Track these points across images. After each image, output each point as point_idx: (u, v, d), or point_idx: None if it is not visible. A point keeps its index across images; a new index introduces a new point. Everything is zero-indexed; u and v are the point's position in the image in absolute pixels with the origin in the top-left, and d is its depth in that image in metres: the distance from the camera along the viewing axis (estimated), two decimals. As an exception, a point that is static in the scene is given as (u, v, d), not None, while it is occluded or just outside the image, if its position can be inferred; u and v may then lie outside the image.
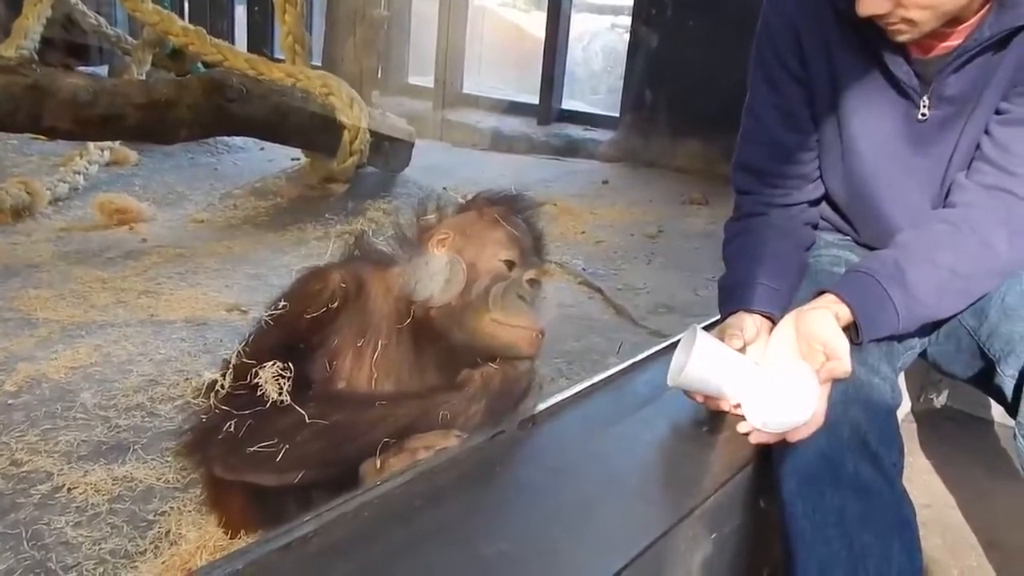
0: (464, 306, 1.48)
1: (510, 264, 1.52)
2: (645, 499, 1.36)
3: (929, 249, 1.43)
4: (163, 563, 1.57)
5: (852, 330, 1.40)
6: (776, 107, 1.61)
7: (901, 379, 1.83)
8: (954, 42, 1.44)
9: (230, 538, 1.60)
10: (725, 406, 1.48)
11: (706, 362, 1.42)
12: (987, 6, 1.40)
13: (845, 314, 1.38)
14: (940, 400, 2.46)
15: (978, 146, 1.50)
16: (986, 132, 1.48)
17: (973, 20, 1.41)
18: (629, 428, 1.56)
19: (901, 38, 1.41)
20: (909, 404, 2.40)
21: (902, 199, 1.56)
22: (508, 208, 1.59)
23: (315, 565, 1.10)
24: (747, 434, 1.44)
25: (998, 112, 1.47)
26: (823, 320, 1.36)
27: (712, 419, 1.56)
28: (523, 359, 1.49)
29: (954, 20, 1.40)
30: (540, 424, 1.51)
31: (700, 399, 1.51)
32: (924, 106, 1.49)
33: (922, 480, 2.17)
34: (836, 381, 1.37)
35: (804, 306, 1.41)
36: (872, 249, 1.65)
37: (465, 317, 1.47)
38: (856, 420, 1.34)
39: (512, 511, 1.28)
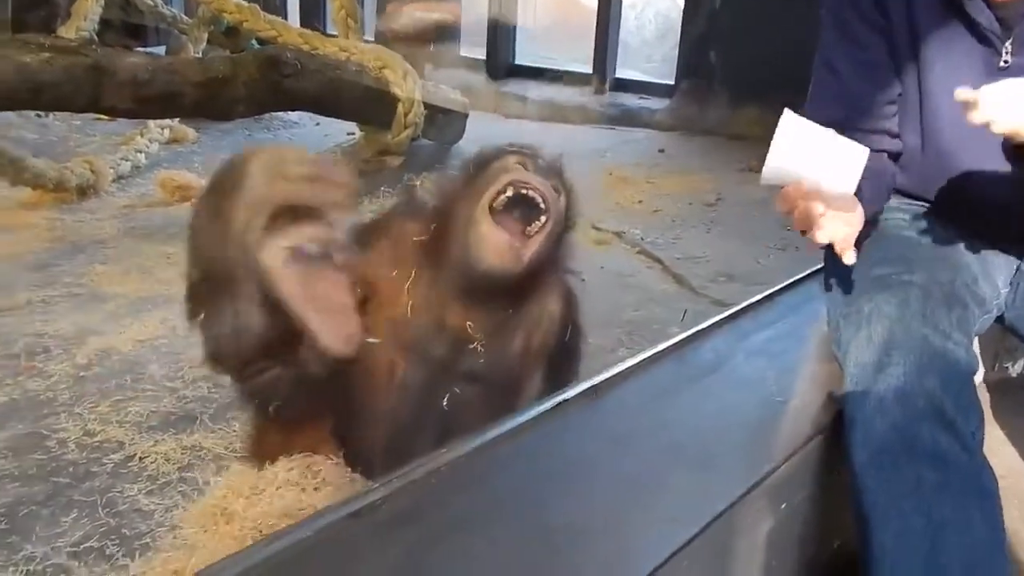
0: (467, 195, 1.51)
1: (522, 164, 1.53)
2: (712, 469, 1.34)
3: None
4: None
5: None
6: (855, 59, 1.54)
7: (975, 346, 1.77)
8: None
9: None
10: (831, 190, 1.29)
11: (798, 139, 1.29)
12: None
13: None
14: (1016, 368, 2.38)
15: None
16: None
17: None
18: (694, 397, 1.53)
19: None
20: (983, 372, 2.33)
21: (979, 154, 1.49)
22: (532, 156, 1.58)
23: (383, 532, 1.11)
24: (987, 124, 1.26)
25: None
26: None
27: (780, 388, 1.53)
28: (496, 268, 1.46)
29: None
30: (603, 394, 1.49)
31: (794, 196, 1.30)
32: (1007, 52, 1.41)
33: (998, 451, 2.10)
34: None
35: None
36: (942, 215, 1.59)
37: (466, 208, 1.49)
38: (931, 389, 1.29)
39: (577, 482, 1.27)
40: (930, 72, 1.48)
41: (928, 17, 1.45)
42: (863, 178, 1.34)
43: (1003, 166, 1.49)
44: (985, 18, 1.40)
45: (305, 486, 1.65)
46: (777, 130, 1.29)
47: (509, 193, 1.47)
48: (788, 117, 1.30)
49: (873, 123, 1.56)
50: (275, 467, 1.55)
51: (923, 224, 1.59)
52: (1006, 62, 1.42)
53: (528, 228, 1.48)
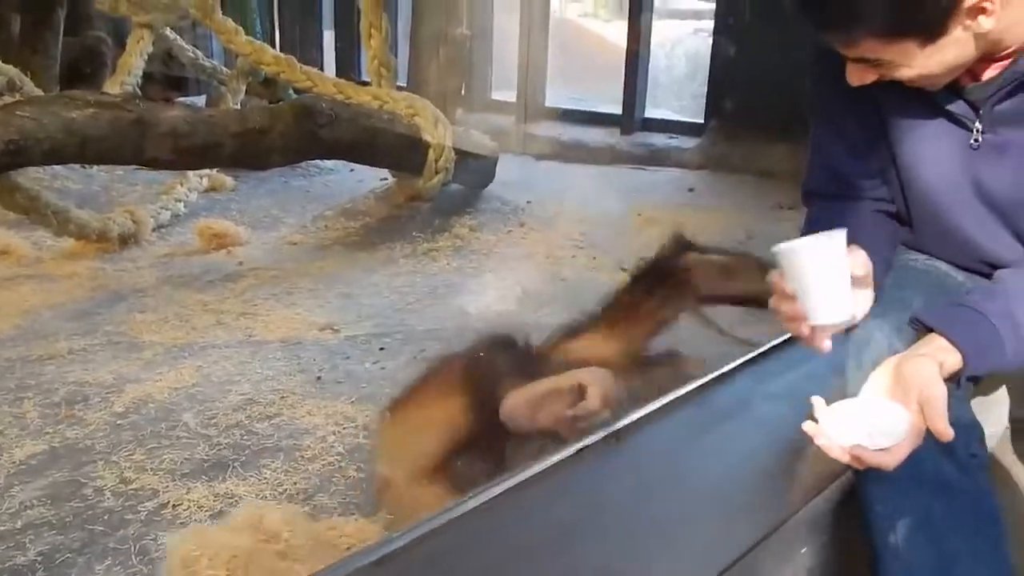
0: None
1: None
2: (732, 514, 1.35)
3: None
4: None
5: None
6: (833, 135, 1.56)
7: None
8: (1005, 63, 1.34)
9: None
10: (800, 314, 1.32)
11: (826, 257, 1.29)
12: None
13: (953, 363, 1.25)
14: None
15: None
16: None
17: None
18: (717, 440, 1.55)
19: (929, 88, 1.36)
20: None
21: (976, 228, 1.46)
22: None
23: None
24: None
25: None
26: (926, 369, 1.24)
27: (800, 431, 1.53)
28: None
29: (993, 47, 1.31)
30: (624, 439, 1.51)
31: (786, 290, 1.34)
32: (978, 132, 1.39)
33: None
34: None
35: (908, 351, 1.29)
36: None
37: None
38: None
39: (599, 528, 1.28)
40: (903, 151, 1.47)
41: (895, 102, 1.44)
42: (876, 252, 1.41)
43: (1004, 236, 1.47)
44: (953, 103, 1.39)
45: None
46: (827, 237, 1.30)
47: None
48: (839, 238, 1.30)
49: (859, 192, 1.57)
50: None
51: (924, 259, 1.58)
52: (976, 140, 1.39)
53: None
